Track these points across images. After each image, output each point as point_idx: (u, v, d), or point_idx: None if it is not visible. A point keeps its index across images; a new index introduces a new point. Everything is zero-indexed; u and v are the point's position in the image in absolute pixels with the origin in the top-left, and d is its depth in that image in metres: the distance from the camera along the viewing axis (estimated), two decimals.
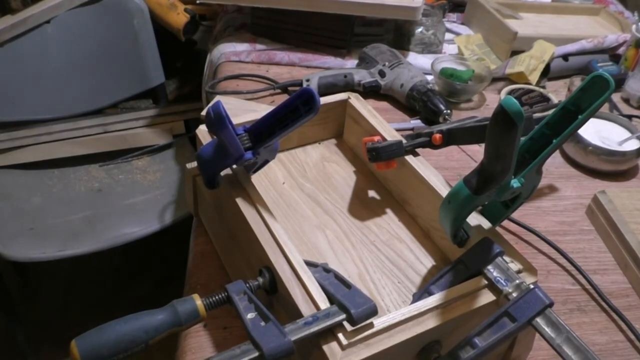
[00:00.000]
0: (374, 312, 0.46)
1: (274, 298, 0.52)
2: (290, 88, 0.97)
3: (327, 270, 0.51)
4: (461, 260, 0.53)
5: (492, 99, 1.02)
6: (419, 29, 1.10)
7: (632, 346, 0.63)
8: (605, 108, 0.99)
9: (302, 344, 0.45)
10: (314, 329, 0.44)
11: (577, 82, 0.99)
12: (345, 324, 0.46)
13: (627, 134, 0.89)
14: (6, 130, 1.31)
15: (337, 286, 0.49)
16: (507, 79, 1.06)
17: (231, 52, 1.06)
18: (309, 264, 0.51)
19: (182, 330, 0.47)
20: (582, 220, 0.79)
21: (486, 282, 0.51)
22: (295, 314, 0.47)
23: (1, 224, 1.18)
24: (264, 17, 1.08)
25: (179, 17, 1.36)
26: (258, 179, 0.71)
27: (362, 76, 0.97)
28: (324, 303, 0.47)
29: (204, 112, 0.72)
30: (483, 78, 0.99)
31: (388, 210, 0.70)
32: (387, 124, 0.70)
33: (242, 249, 0.59)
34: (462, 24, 1.26)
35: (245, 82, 0.99)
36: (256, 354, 0.42)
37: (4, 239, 1.15)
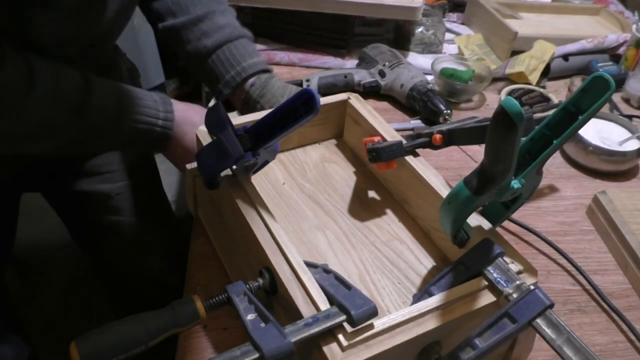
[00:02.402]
0: (374, 313, 0.46)
1: (274, 299, 0.52)
2: None
3: (327, 271, 0.51)
4: (461, 261, 0.53)
5: (493, 99, 1.02)
6: (419, 29, 1.10)
7: (633, 347, 0.63)
8: (605, 108, 0.99)
9: (302, 345, 0.45)
10: (314, 330, 0.44)
11: (578, 82, 0.99)
12: (346, 325, 0.46)
13: (628, 134, 0.89)
14: None
15: (337, 287, 0.49)
16: (508, 79, 1.06)
17: None
18: (309, 264, 0.51)
19: (182, 332, 0.47)
20: (582, 221, 0.79)
21: (486, 283, 0.51)
22: (296, 315, 0.47)
23: None
24: (264, 17, 1.08)
25: None
26: (258, 180, 0.71)
27: (362, 76, 0.97)
28: (324, 304, 0.47)
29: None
30: (483, 78, 0.99)
31: (388, 211, 0.70)
32: (387, 124, 0.70)
33: (242, 249, 0.59)
34: (462, 24, 1.26)
35: None
36: (256, 355, 0.42)
37: None
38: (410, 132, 0.72)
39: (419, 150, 0.67)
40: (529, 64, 1.02)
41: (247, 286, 0.49)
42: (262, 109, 0.79)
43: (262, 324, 0.45)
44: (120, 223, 0.96)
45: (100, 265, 1.12)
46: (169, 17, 0.79)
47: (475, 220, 0.57)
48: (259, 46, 1.08)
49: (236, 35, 0.79)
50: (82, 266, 1.69)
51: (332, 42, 1.08)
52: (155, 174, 1.06)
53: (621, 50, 1.14)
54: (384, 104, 0.98)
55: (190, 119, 0.73)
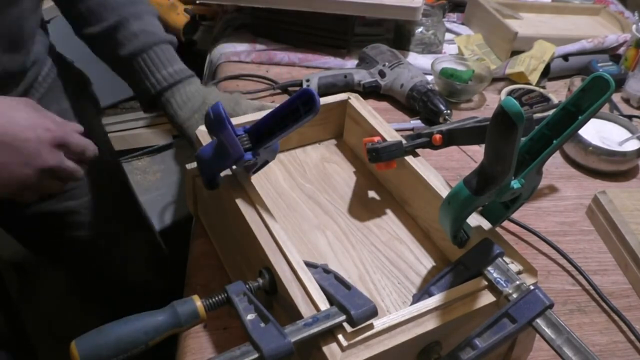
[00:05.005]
0: (373, 313, 0.46)
1: (274, 299, 0.52)
2: (290, 88, 0.97)
3: (327, 271, 0.51)
4: (461, 261, 0.53)
5: (492, 99, 1.02)
6: (419, 29, 1.10)
7: (633, 347, 0.63)
8: (605, 108, 0.99)
9: (302, 345, 0.45)
10: (313, 330, 0.44)
11: (578, 82, 0.99)
12: (345, 325, 0.46)
13: (628, 134, 0.89)
14: None
15: (337, 287, 0.49)
16: (507, 79, 1.06)
17: (231, 52, 1.06)
18: (308, 264, 0.51)
19: (182, 331, 0.47)
20: (582, 221, 0.79)
21: (486, 283, 0.51)
22: (295, 315, 0.47)
23: None
24: (264, 17, 1.08)
25: (178, 18, 1.36)
26: (258, 180, 0.71)
27: (362, 76, 0.97)
28: (323, 304, 0.47)
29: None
30: (483, 78, 0.99)
31: (388, 211, 0.70)
32: (387, 124, 0.70)
33: (242, 249, 0.59)
34: (462, 24, 1.26)
35: (245, 83, 0.99)
36: (256, 355, 0.42)
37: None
38: (410, 132, 0.72)
39: (419, 150, 0.67)
40: (529, 64, 1.02)
41: (247, 286, 0.49)
42: (183, 123, 0.75)
43: (262, 324, 0.45)
44: (89, 238, 0.93)
45: (79, 282, 1.11)
46: (84, 26, 0.75)
47: (475, 220, 0.57)
48: (259, 46, 1.08)
49: (151, 43, 0.74)
50: None
51: (332, 42, 1.08)
52: (124, 179, 1.03)
53: (621, 51, 1.14)
54: (384, 104, 0.98)
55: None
